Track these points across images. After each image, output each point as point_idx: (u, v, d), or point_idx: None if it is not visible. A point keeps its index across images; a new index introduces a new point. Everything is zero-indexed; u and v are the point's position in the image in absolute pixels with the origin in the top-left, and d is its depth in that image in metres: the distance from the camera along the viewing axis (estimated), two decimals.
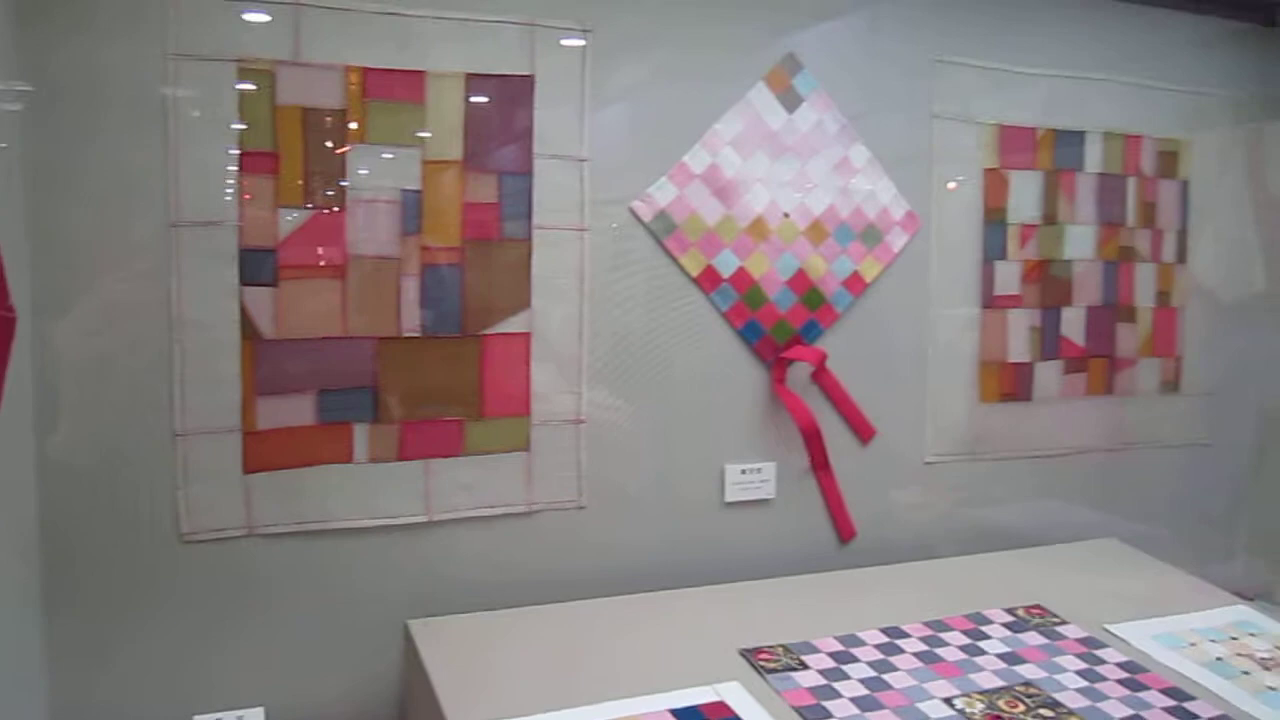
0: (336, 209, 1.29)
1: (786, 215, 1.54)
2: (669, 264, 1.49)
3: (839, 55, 1.57)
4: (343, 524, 1.33)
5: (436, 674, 1.18)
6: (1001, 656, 1.31)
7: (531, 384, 1.42)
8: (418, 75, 1.32)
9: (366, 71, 1.29)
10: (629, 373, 1.48)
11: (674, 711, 1.13)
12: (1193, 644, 1.38)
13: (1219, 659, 1.34)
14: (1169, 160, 1.87)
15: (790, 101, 1.54)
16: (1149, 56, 1.83)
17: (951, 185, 1.68)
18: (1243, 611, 1.50)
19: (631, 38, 1.44)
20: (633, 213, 1.46)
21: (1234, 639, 1.40)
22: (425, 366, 1.36)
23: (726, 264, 1.51)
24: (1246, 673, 1.31)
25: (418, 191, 1.33)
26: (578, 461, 1.45)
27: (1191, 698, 1.23)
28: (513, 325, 1.40)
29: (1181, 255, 1.90)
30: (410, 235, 1.33)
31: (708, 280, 1.50)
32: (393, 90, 1.31)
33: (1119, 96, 1.81)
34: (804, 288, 1.56)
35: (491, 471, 1.41)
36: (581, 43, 1.41)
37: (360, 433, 1.33)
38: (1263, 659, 1.35)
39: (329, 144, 1.28)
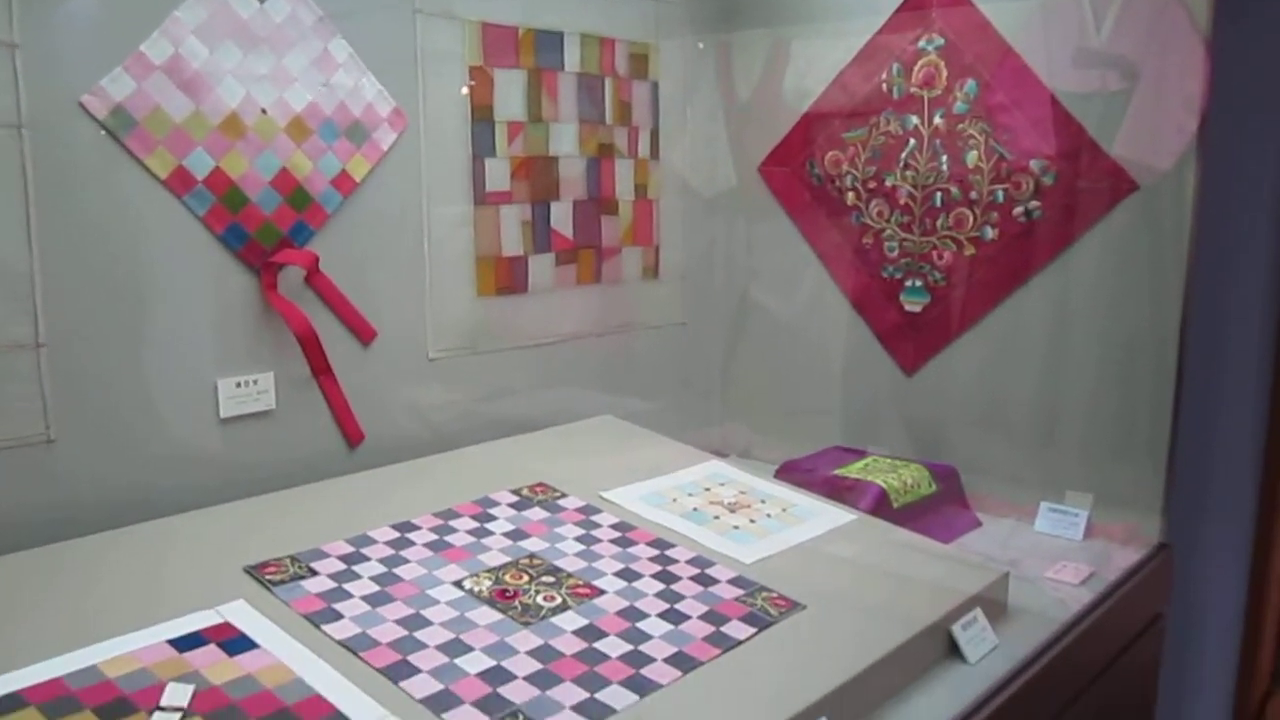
0: None
1: (264, 111, 1.45)
2: (132, 165, 1.34)
3: None
4: None
5: None
6: (507, 535, 1.37)
7: None
8: None
9: None
10: (97, 288, 1.33)
11: (172, 641, 1.06)
12: (674, 499, 1.54)
13: (695, 509, 1.51)
14: (640, 62, 2.00)
15: None
16: None
17: (465, 90, 1.69)
18: (716, 466, 1.70)
19: None
20: (83, 108, 1.30)
21: (707, 489, 1.59)
22: None
23: (200, 164, 1.40)
24: (717, 517, 1.48)
25: None
26: (42, 390, 1.29)
27: (672, 545, 1.38)
28: None
29: (655, 151, 2.06)
30: None
31: (179, 182, 1.38)
32: None
33: (592, 0, 1.90)
34: (289, 188, 1.49)
35: None
36: None
37: None
38: (730, 503, 1.54)
39: None
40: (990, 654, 1.32)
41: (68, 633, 1.06)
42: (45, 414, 1.30)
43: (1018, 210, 1.83)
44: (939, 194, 1.91)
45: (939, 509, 1.79)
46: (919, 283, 1.97)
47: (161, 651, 1.04)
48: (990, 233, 1.87)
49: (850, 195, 2.03)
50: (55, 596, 1.13)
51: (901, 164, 1.95)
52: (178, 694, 0.97)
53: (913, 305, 1.99)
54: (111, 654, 1.03)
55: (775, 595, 1.27)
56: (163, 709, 0.95)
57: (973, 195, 1.87)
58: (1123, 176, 1.71)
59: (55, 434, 1.31)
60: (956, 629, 1.30)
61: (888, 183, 1.97)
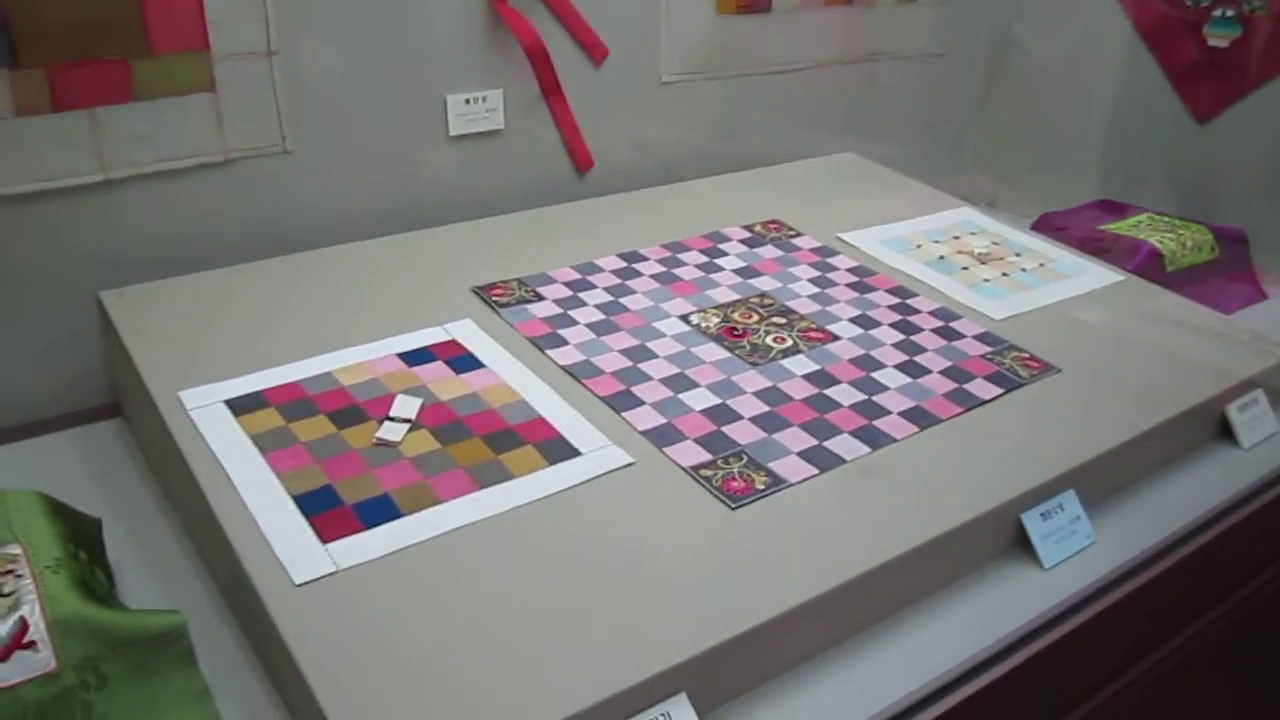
0: None
1: None
2: None
3: None
4: None
5: (136, 346, 1.05)
6: (738, 271, 1.30)
7: (205, 11, 1.20)
8: None
9: None
10: None
11: (401, 355, 1.07)
12: (918, 245, 1.41)
13: (941, 257, 1.38)
14: None
15: None
16: None
17: None
18: (966, 213, 1.55)
19: None
20: None
21: (956, 238, 1.45)
22: None
23: None
24: (965, 268, 1.36)
25: None
26: (276, 100, 1.28)
27: (914, 294, 1.28)
28: None
29: None
30: None
31: None
32: None
33: None
34: None
35: (173, 118, 1.21)
36: None
37: None
38: (980, 254, 1.40)
39: None
40: (1267, 440, 1.18)
41: (304, 340, 1.08)
42: (280, 124, 1.29)
43: None
44: None
45: (1220, 277, 1.59)
46: (1231, 12, 1.67)
47: (392, 364, 1.05)
48: None
49: None
50: (291, 305, 1.15)
51: None
52: (407, 405, 0.98)
53: (1218, 39, 1.70)
54: (345, 363, 1.05)
55: (1027, 355, 1.16)
56: (392, 419, 0.96)
57: None
58: None
59: (291, 144, 1.30)
60: (1232, 410, 1.17)
61: None
